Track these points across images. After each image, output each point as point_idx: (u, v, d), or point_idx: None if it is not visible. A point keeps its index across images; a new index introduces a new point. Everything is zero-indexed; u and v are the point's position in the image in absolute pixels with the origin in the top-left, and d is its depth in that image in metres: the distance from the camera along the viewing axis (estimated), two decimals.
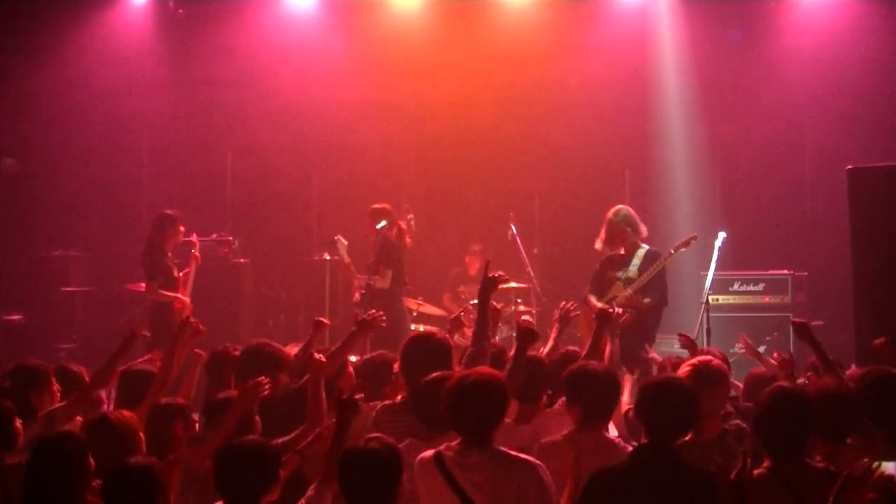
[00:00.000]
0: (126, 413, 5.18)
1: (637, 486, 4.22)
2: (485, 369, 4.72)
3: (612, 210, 9.04)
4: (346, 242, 10.28)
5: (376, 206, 10.18)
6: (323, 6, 13.05)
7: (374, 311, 6.51)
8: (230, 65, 12.72)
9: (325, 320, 6.74)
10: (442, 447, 4.46)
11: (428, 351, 5.38)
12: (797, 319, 6.56)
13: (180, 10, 13.00)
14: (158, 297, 9.64)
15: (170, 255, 9.84)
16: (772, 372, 6.43)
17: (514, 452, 4.48)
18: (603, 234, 8.99)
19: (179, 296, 9.65)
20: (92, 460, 4.43)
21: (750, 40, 12.37)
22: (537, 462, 4.45)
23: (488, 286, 5.71)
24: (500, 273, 5.83)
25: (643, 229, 8.98)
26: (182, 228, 9.89)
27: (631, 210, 9.08)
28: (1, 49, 12.32)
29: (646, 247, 8.90)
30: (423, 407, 4.93)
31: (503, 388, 4.51)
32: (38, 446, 4.44)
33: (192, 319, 6.55)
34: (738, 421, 5.32)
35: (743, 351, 7.37)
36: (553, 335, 5.89)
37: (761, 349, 8.81)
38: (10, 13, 12.19)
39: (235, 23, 12.78)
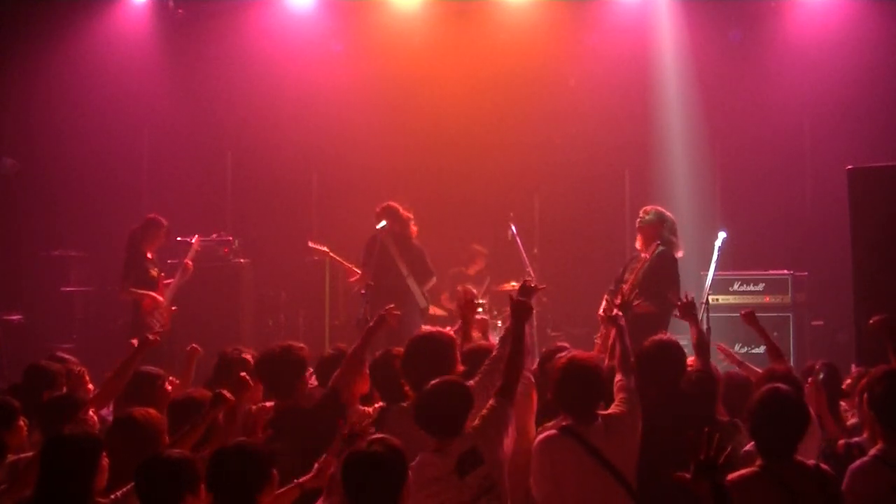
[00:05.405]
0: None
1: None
2: (584, 353, 5.08)
3: (643, 210, 8.80)
4: (322, 248, 10.35)
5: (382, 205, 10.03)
6: (323, 6, 13.05)
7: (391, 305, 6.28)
8: (230, 65, 12.74)
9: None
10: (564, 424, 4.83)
11: (430, 352, 5.21)
12: (745, 311, 6.93)
13: (180, 10, 12.99)
14: (128, 296, 9.68)
15: (149, 255, 9.81)
16: (749, 376, 6.25)
17: (611, 412, 4.88)
18: (639, 234, 8.71)
19: (152, 293, 9.58)
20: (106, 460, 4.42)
21: (750, 40, 12.38)
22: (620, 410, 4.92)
23: (526, 293, 5.56)
24: (537, 283, 6.11)
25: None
26: (162, 233, 9.85)
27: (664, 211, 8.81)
28: (1, 49, 12.31)
29: (662, 247, 8.53)
30: (427, 414, 4.69)
31: (602, 370, 4.94)
32: (52, 440, 4.41)
33: (151, 338, 6.15)
34: (736, 420, 5.41)
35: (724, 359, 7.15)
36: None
37: (760, 349, 8.81)
38: (9, 14, 12.18)
39: (235, 23, 12.78)
